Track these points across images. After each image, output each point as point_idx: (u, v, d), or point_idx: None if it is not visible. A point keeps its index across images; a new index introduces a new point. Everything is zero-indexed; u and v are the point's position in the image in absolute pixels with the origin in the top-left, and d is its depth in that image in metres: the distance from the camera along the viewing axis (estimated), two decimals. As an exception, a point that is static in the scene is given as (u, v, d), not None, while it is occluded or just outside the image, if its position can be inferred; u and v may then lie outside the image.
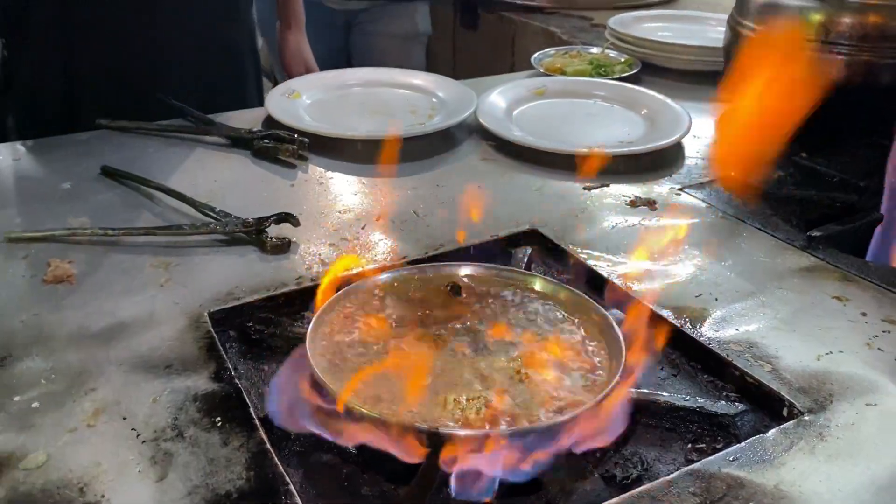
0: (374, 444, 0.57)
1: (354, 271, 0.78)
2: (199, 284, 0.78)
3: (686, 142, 1.12)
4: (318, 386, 0.61)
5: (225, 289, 0.77)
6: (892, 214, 0.89)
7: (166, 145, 1.08)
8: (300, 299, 0.77)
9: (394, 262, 0.82)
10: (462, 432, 0.55)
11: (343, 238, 0.87)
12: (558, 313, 0.70)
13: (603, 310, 0.68)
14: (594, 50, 1.51)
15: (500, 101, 1.21)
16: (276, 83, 1.41)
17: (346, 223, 0.90)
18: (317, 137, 1.06)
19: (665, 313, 0.73)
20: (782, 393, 0.64)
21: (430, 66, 1.98)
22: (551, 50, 1.50)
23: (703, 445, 0.61)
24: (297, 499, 0.54)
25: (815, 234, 0.86)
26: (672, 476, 0.56)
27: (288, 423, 0.61)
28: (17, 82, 1.22)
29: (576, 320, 0.69)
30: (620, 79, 1.36)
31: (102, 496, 0.54)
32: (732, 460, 0.57)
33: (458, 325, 0.68)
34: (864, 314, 0.73)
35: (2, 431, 0.59)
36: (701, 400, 0.64)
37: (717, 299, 0.76)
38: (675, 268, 0.82)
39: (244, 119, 1.16)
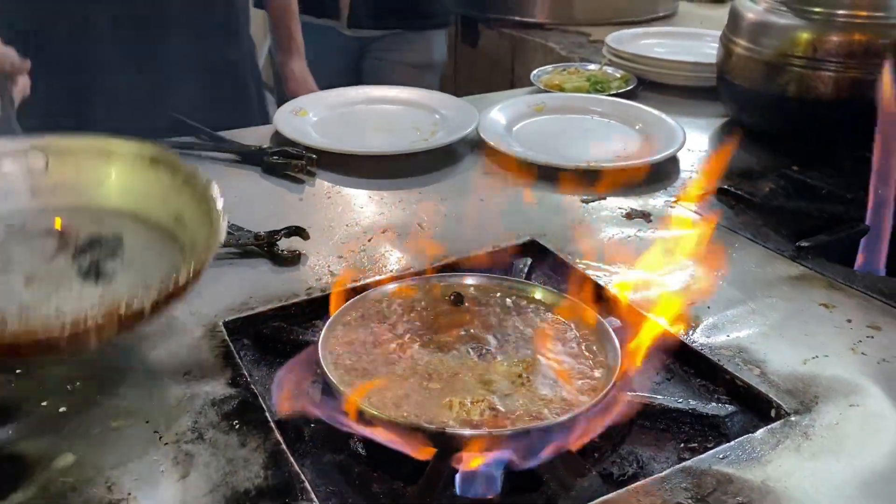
0: (382, 441, 0.60)
1: (363, 282, 0.82)
2: (214, 295, 0.81)
3: (681, 155, 1.16)
4: (328, 390, 0.65)
5: (239, 299, 0.81)
6: (877, 225, 0.93)
7: (179, 162, 1.12)
8: (310, 309, 0.81)
9: (399, 273, 0.85)
10: (467, 432, 0.58)
11: (351, 250, 0.90)
12: (557, 321, 0.74)
13: (600, 317, 0.72)
14: (592, 66, 1.55)
15: (501, 117, 1.25)
16: (280, 99, 1.45)
17: (354, 236, 0.94)
18: (324, 153, 1.10)
19: (660, 321, 0.77)
20: (770, 395, 0.67)
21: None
22: (550, 67, 1.54)
23: (696, 445, 0.65)
24: (313, 495, 0.57)
25: (804, 244, 0.89)
26: (665, 473, 0.59)
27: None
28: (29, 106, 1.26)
29: (574, 327, 0.72)
30: (617, 95, 1.40)
31: (129, 493, 0.58)
32: (722, 458, 0.61)
33: (462, 333, 0.71)
34: (849, 320, 0.77)
35: (32, 435, 0.63)
36: (693, 402, 0.67)
37: (709, 307, 0.80)
38: (669, 277, 0.85)
39: (253, 136, 1.20)
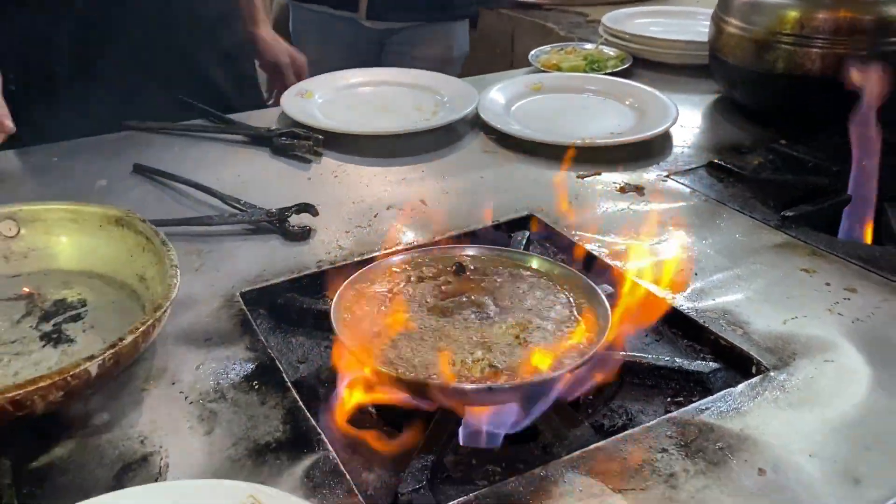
0: (393, 398, 0.66)
1: (369, 255, 0.87)
2: (230, 269, 0.87)
3: (673, 131, 1.21)
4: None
5: (254, 272, 0.86)
6: (858, 196, 0.97)
7: (190, 144, 1.17)
8: (321, 280, 0.86)
9: (404, 246, 0.90)
10: (468, 386, 0.63)
11: (357, 226, 0.95)
12: (554, 287, 0.78)
13: (593, 284, 0.77)
14: (588, 46, 1.59)
15: (500, 97, 1.29)
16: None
17: (360, 212, 0.98)
18: (330, 134, 1.15)
19: (649, 287, 0.82)
20: (751, 353, 0.72)
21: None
22: (547, 47, 1.58)
23: (681, 399, 0.70)
24: (328, 445, 0.62)
25: (788, 214, 0.94)
26: (651, 423, 0.64)
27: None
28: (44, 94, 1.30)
29: (569, 293, 0.77)
30: (613, 73, 1.44)
31: (160, 446, 0.63)
32: (704, 410, 0.66)
33: (464, 299, 0.76)
34: (828, 284, 0.82)
35: (68, 396, 0.68)
36: (680, 360, 0.72)
37: (696, 274, 0.85)
38: (660, 247, 0.90)
39: (261, 118, 1.25)
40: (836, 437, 0.63)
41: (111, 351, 0.63)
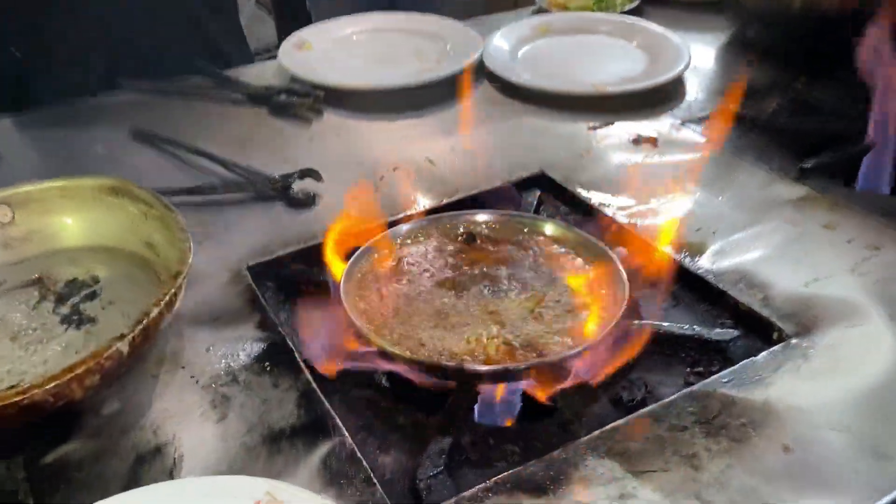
0: (405, 375, 0.65)
1: (377, 222, 0.85)
2: (236, 240, 0.84)
3: (686, 74, 1.16)
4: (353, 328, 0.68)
5: (260, 243, 0.84)
6: (879, 144, 0.94)
7: (187, 104, 1.13)
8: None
9: (412, 211, 0.87)
10: (483, 368, 0.62)
11: (363, 189, 0.93)
12: (567, 254, 0.76)
13: (608, 249, 0.75)
14: (596, -19, 1.53)
15: (505, 43, 1.24)
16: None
17: (365, 174, 0.96)
18: (331, 90, 1.11)
19: (666, 249, 0.79)
20: (772, 319, 0.70)
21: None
22: (554, -16, 1.52)
23: (701, 369, 0.69)
24: (345, 431, 0.61)
25: (807, 165, 0.91)
26: (672, 398, 0.63)
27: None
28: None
29: (583, 260, 0.75)
30: (623, 12, 1.38)
31: (174, 436, 0.62)
32: (726, 382, 0.64)
33: (476, 271, 0.74)
34: (849, 241, 0.79)
35: (78, 384, 0.67)
36: (698, 328, 0.71)
37: (714, 233, 0.82)
38: (675, 204, 0.87)
39: (258, 73, 1.21)
40: (863, 409, 0.61)
41: (139, 327, 0.62)
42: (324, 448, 0.60)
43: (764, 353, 0.67)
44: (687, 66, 1.14)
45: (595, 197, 0.89)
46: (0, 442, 0.62)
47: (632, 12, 1.38)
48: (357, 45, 1.29)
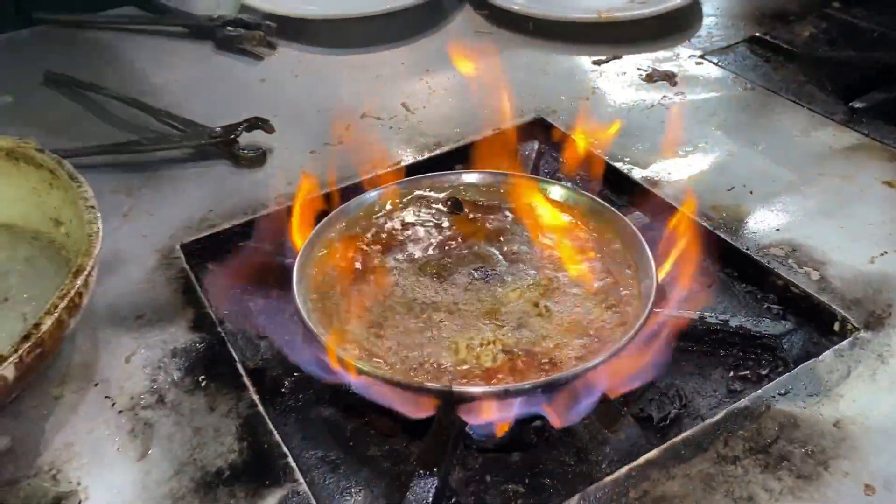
0: (377, 400, 0.50)
1: (342, 185, 0.70)
2: (168, 211, 0.69)
3: (703, -4, 1.00)
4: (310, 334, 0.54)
5: (197, 214, 0.69)
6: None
7: (117, 40, 0.96)
8: (282, 222, 0.68)
9: (384, 170, 0.72)
10: (478, 389, 0.48)
11: (326, 143, 0.77)
12: (575, 225, 0.62)
13: (626, 219, 0.60)
14: None
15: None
16: None
17: (325, 123, 0.80)
18: (286, 20, 0.93)
19: (695, 216, 0.65)
20: (833, 306, 0.57)
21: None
22: None
23: (747, 372, 0.55)
24: (298, 475, 0.47)
25: (858, 105, 0.76)
26: (716, 417, 0.49)
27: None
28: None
29: (597, 233, 0.61)
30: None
31: (79, 483, 0.48)
32: (783, 394, 0.51)
33: (465, 251, 0.59)
34: (919, 202, 0.65)
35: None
36: (741, 318, 0.57)
37: (751, 192, 0.68)
38: (702, 156, 0.72)
39: (201, 2, 1.03)
40: (960, 429, 0.48)
41: (27, 344, 0.47)
42: (271, 500, 0.46)
43: (828, 353, 0.53)
44: (705, -15, 0.97)
45: (605, 149, 0.73)
46: None
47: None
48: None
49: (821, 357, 0.53)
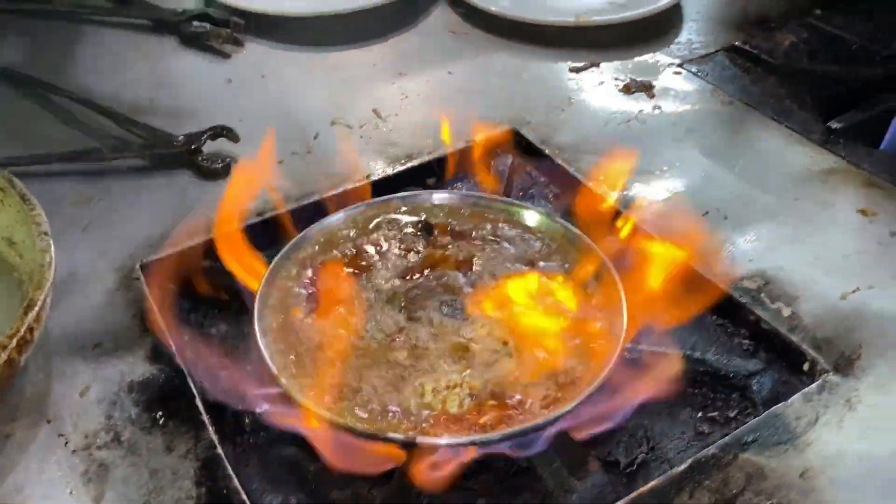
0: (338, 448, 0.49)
1: (309, 200, 0.68)
2: (129, 226, 0.67)
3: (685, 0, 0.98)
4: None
5: (158, 230, 0.66)
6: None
7: (77, 33, 0.92)
8: (247, 238, 0.66)
9: (355, 183, 0.70)
10: (443, 441, 0.47)
11: (294, 152, 0.74)
12: (547, 252, 0.60)
13: (599, 250, 0.59)
14: None
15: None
16: None
17: (296, 131, 0.77)
18: (254, 15, 0.90)
19: (669, 244, 0.63)
20: (804, 345, 0.56)
21: None
22: None
23: (716, 413, 0.54)
24: (258, 525, 0.46)
25: (835, 125, 0.75)
26: (683, 467, 0.49)
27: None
28: None
29: (570, 263, 0.59)
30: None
31: (29, 532, 0.47)
32: (751, 441, 0.50)
33: (433, 282, 0.58)
34: (893, 234, 0.64)
35: None
36: (712, 356, 0.56)
37: (726, 217, 0.67)
38: (677, 177, 0.71)
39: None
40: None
41: None
42: (229, 554, 0.45)
43: (797, 397, 0.53)
44: (686, -12, 0.95)
45: (579, 168, 0.72)
46: None
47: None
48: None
49: (789, 401, 0.52)
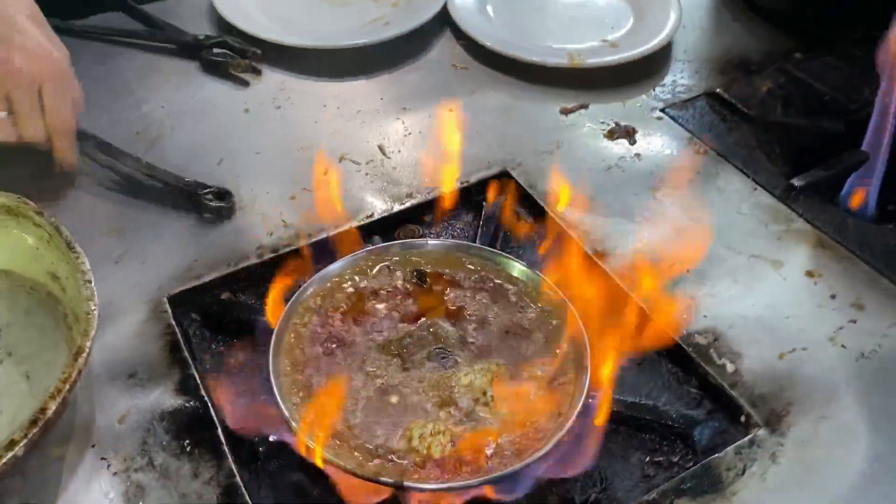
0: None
1: (316, 239, 0.76)
2: (157, 258, 0.75)
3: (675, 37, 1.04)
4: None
5: (184, 263, 0.75)
6: (873, 153, 0.85)
7: (102, 52, 0.98)
8: (263, 274, 0.74)
9: (359, 222, 0.78)
10: (426, 486, 0.56)
11: (305, 188, 0.82)
12: (528, 305, 0.69)
13: (574, 310, 0.67)
14: None
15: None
16: None
17: (307, 164, 0.85)
18: (269, 45, 0.96)
19: (637, 297, 0.72)
20: (741, 400, 0.65)
21: None
22: None
23: (662, 458, 0.64)
24: (270, 548, 0.56)
25: (797, 182, 0.82)
26: (627, 508, 0.58)
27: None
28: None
29: (546, 315, 0.68)
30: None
31: (81, 547, 0.56)
32: (687, 489, 0.59)
33: (424, 331, 0.66)
34: (833, 296, 0.73)
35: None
36: (661, 407, 0.65)
37: (688, 271, 0.75)
38: (650, 229, 0.79)
39: (189, 15, 1.04)
40: (828, 532, 0.57)
41: (35, 430, 0.54)
42: (246, 571, 0.55)
43: (729, 450, 0.62)
44: (677, 28, 1.01)
45: (561, 215, 0.80)
46: None
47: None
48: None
49: (722, 453, 0.62)
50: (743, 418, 0.64)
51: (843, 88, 0.95)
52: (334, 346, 0.65)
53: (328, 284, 0.69)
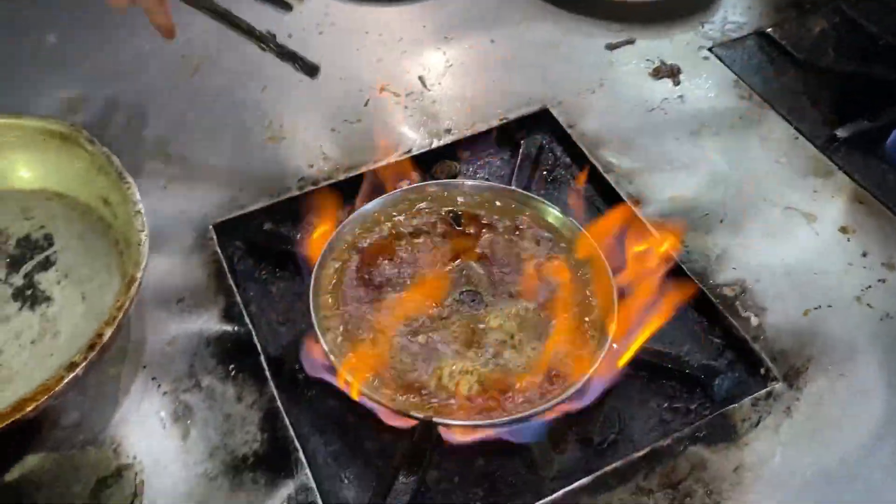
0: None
1: (355, 172, 0.78)
2: (201, 186, 0.77)
3: (728, -33, 1.00)
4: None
5: (228, 192, 0.77)
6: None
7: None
8: (304, 206, 0.77)
9: (398, 157, 0.79)
10: (453, 422, 0.60)
11: (345, 120, 0.83)
12: (560, 252, 0.70)
13: (604, 259, 0.68)
14: None
15: None
16: None
17: (348, 97, 0.85)
18: (315, -34, 0.96)
19: (667, 243, 0.73)
20: (762, 354, 0.67)
21: None
22: None
23: (680, 405, 0.66)
24: (308, 470, 0.60)
25: (840, 133, 0.81)
26: (642, 453, 0.61)
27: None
28: None
29: (576, 262, 0.70)
30: None
31: (135, 457, 0.61)
32: (701, 436, 0.62)
33: (457, 273, 0.68)
34: (864, 254, 0.73)
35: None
36: (684, 355, 0.67)
37: (721, 221, 0.76)
38: (686, 174, 0.79)
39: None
40: (832, 491, 0.60)
41: (93, 353, 0.58)
42: (284, 491, 0.59)
43: (746, 402, 0.64)
44: (730, -40, 0.98)
45: (600, 158, 0.80)
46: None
47: None
48: None
49: (739, 404, 0.64)
50: (762, 371, 0.67)
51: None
52: (371, 285, 0.68)
53: (366, 223, 0.72)
